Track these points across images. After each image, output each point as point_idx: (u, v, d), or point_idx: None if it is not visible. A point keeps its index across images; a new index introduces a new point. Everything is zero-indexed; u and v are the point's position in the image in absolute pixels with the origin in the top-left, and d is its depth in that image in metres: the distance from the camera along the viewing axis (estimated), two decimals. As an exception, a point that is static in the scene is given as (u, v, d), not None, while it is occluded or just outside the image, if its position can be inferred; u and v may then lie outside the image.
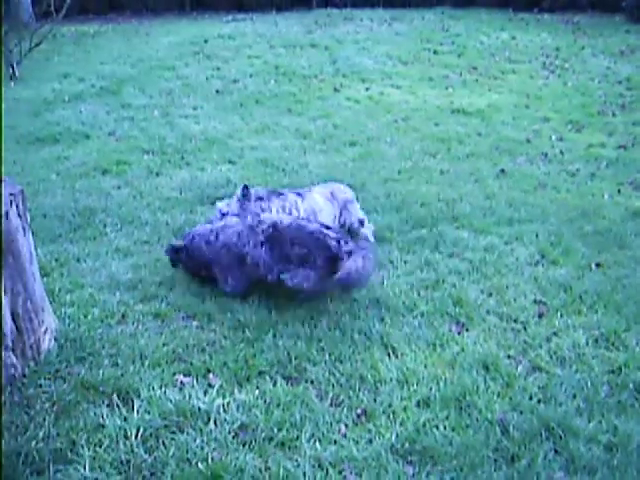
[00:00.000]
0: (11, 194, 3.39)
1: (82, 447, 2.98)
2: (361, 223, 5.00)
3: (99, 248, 4.80)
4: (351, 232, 4.91)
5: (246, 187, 4.58)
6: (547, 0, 16.12)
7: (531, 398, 3.45)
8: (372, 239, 4.98)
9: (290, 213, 4.57)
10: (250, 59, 11.00)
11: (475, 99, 9.32)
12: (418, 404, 3.35)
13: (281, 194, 4.69)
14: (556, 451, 3.14)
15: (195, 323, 3.92)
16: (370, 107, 8.81)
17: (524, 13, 15.89)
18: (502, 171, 6.68)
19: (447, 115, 8.59)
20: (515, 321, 4.12)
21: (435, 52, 12.02)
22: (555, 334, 4.01)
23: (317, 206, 4.76)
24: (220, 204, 4.60)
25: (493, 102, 9.21)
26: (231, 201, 4.61)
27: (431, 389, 3.43)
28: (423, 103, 9.06)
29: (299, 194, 4.73)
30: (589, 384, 3.58)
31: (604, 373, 3.69)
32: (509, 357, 3.77)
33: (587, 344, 3.93)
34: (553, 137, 7.86)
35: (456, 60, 11.56)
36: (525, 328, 4.05)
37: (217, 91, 9.20)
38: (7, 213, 3.26)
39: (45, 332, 3.59)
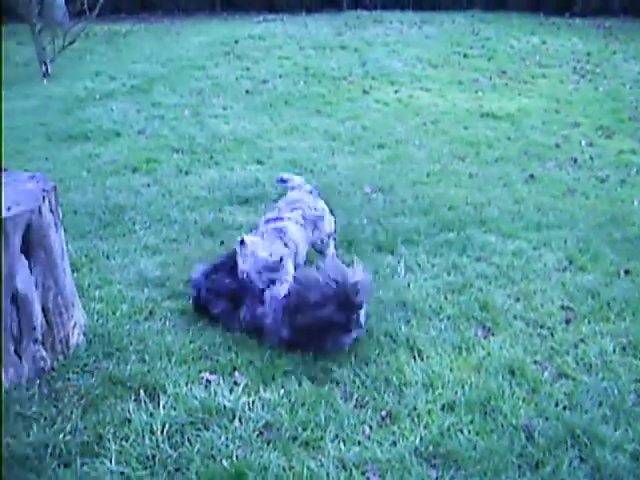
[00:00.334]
0: (44, 190, 3.44)
1: (109, 441, 3.01)
2: (328, 237, 4.57)
3: (128, 245, 4.85)
4: (319, 248, 4.54)
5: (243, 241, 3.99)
6: (579, 4, 15.99)
7: (557, 405, 3.43)
8: (333, 250, 4.64)
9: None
10: (280, 60, 11.04)
11: (505, 103, 9.27)
12: (443, 408, 3.34)
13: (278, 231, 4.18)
14: (581, 459, 3.11)
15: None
16: (399, 109, 8.79)
17: (555, 17, 15.76)
18: (531, 176, 6.64)
19: (476, 119, 8.55)
20: (542, 327, 4.10)
21: (465, 55, 11.97)
22: (582, 341, 3.98)
23: (296, 241, 4.24)
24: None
25: (523, 106, 9.15)
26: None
27: (456, 393, 3.43)
28: (452, 106, 9.03)
29: (280, 231, 4.16)
30: (616, 392, 3.54)
31: (631, 381, 3.65)
32: (535, 363, 3.75)
33: (614, 352, 3.89)
34: (583, 142, 7.79)
35: (486, 64, 11.50)
36: (552, 334, 4.02)
37: (247, 91, 9.25)
38: (40, 208, 3.31)
39: (74, 327, 3.63)
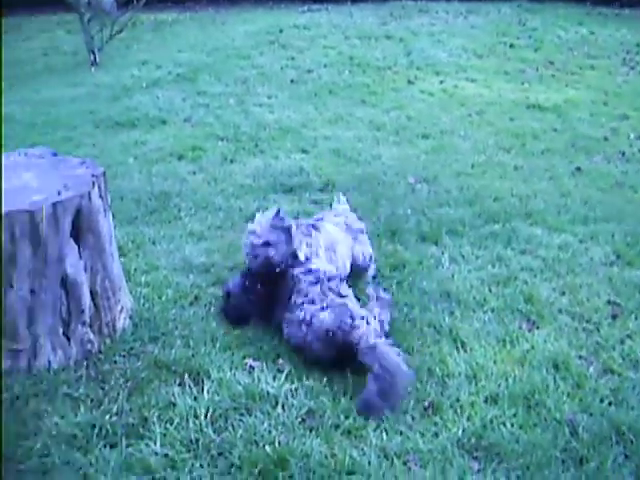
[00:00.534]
0: (93, 175, 3.49)
1: (153, 424, 3.06)
2: (370, 258, 4.36)
3: (174, 231, 4.90)
4: (358, 269, 4.29)
5: (279, 212, 3.90)
6: (627, -6, 15.64)
7: (602, 400, 3.39)
8: (372, 276, 4.39)
9: (314, 252, 3.98)
10: (325, 49, 11.01)
11: (551, 94, 9.12)
12: (486, 400, 3.32)
13: (309, 226, 4.10)
14: (626, 456, 3.07)
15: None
16: (444, 100, 8.72)
17: (603, 7, 15.42)
18: (578, 169, 6.54)
19: (522, 110, 8.44)
20: (587, 321, 4.04)
21: (511, 46, 11.81)
22: (629, 337, 3.92)
23: (333, 238, 4.16)
24: (252, 227, 3.93)
25: (570, 98, 9.00)
26: (262, 223, 3.92)
27: (499, 385, 3.40)
28: (498, 97, 8.92)
29: (313, 226, 4.11)
30: (663, 389, 3.50)
31: (679, 379, 3.59)
32: (580, 357, 3.70)
33: (662, 348, 3.84)
34: (632, 135, 7.64)
35: (533, 54, 11.33)
36: (598, 329, 3.97)
37: (292, 80, 9.25)
38: (89, 194, 3.36)
39: (121, 311, 3.69)
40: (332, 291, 3.61)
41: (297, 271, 3.75)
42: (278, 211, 3.88)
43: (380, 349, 3.32)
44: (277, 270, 3.78)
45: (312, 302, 3.56)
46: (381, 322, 3.55)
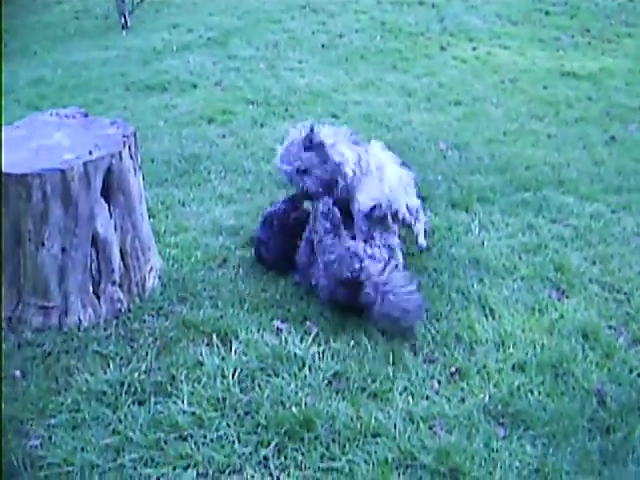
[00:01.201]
0: (124, 135, 3.51)
1: (181, 382, 3.10)
2: (417, 211, 4.07)
3: (203, 194, 4.91)
4: (402, 222, 4.02)
5: (312, 130, 3.70)
6: (671, -40, 15.19)
7: (631, 371, 3.36)
8: (423, 241, 4.13)
9: (362, 169, 3.79)
10: (356, 14, 10.85)
11: (587, 62, 8.93)
12: (513, 367, 3.31)
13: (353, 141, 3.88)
14: (654, 427, 3.06)
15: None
16: (477, 67, 8.58)
17: (642, -26, 15.05)
18: (612, 138, 6.41)
19: (556, 78, 8.27)
20: (618, 291, 3.99)
21: (547, 13, 11.54)
22: (660, 308, 3.88)
23: (381, 161, 3.90)
24: (281, 150, 3.78)
25: (606, 66, 8.81)
26: (294, 145, 3.74)
27: (527, 353, 3.39)
28: (532, 65, 8.75)
29: (356, 142, 3.87)
30: (693, 361, 3.46)
31: None
32: (610, 327, 3.67)
33: (694, 321, 3.79)
34: (669, 105, 7.48)
35: (568, 22, 11.07)
36: (629, 299, 3.92)
37: (322, 45, 9.15)
38: (120, 153, 3.37)
39: (150, 271, 3.72)
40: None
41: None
42: (312, 128, 3.65)
43: (382, 289, 3.39)
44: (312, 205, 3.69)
45: (323, 252, 3.60)
46: (388, 248, 3.62)
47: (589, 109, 7.23)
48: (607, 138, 6.41)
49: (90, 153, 3.29)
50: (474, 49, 9.32)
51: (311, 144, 3.65)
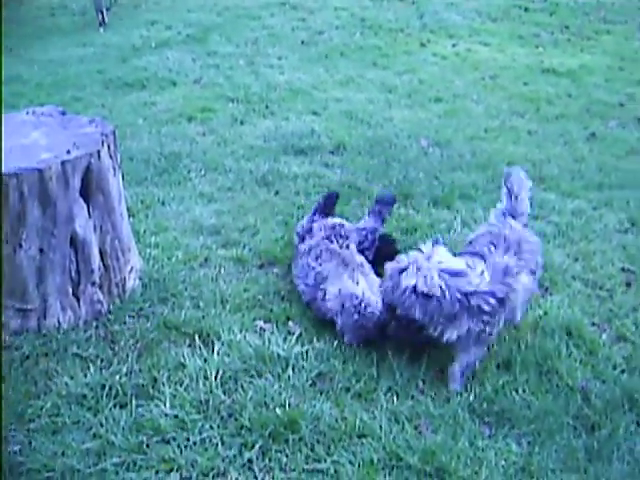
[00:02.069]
0: (103, 134, 3.44)
1: (163, 384, 3.05)
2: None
3: (183, 193, 4.86)
4: None
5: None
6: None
7: (615, 368, 3.37)
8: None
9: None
10: (336, 11, 10.83)
11: (566, 59, 8.97)
12: (498, 366, 3.30)
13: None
14: (638, 423, 3.06)
15: (276, 270, 3.94)
16: (457, 63, 8.59)
17: (620, -29, 15.15)
18: (593, 134, 6.44)
19: (537, 75, 8.30)
20: (601, 288, 4.00)
21: (526, 9, 11.59)
22: (642, 304, 3.89)
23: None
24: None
25: (585, 63, 8.85)
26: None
27: (512, 351, 3.38)
28: (512, 61, 8.78)
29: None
30: (676, 357, 3.47)
31: (692, 347, 3.56)
32: (593, 324, 3.68)
33: (676, 316, 3.80)
34: (648, 102, 7.53)
35: (548, 18, 11.13)
36: (611, 296, 3.93)
37: (302, 42, 9.12)
38: (99, 152, 3.31)
39: (131, 271, 3.67)
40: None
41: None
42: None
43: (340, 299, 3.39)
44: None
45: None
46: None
47: (569, 106, 7.25)
48: (587, 135, 6.44)
49: (68, 152, 3.23)
50: (454, 46, 9.33)
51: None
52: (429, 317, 3.02)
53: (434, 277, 2.98)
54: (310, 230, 3.80)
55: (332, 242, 3.66)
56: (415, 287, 2.99)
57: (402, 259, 3.10)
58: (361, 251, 3.74)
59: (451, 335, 3.07)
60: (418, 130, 6.23)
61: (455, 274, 3.02)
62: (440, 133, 6.20)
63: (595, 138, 6.38)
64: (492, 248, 3.29)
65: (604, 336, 3.58)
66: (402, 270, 3.05)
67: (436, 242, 3.17)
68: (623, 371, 3.35)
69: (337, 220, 3.88)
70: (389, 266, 3.13)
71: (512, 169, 3.70)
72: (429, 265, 3.01)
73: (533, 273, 3.35)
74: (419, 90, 7.47)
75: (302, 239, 3.81)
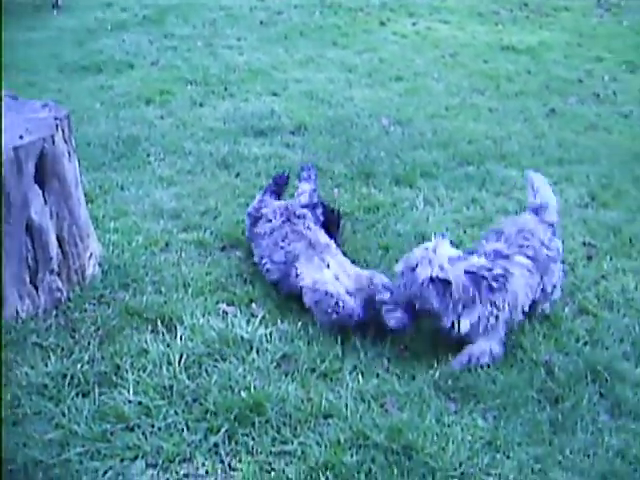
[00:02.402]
0: (57, 118, 3.36)
1: (126, 371, 3.00)
2: (554, 287, 3.56)
3: (143, 177, 4.78)
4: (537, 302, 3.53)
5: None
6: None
7: (578, 340, 3.41)
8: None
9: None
10: (295, -10, 10.76)
11: (526, 36, 9.02)
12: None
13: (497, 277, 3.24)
14: (601, 394, 3.10)
15: (238, 253, 3.90)
16: (417, 42, 8.58)
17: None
18: (552, 111, 6.49)
19: (496, 52, 8.34)
20: (563, 262, 4.03)
21: (485, -13, 11.63)
22: (603, 277, 3.94)
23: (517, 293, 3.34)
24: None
25: (544, 40, 8.91)
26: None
27: (477, 327, 3.39)
28: (472, 39, 8.80)
29: (504, 277, 3.25)
30: (637, 329, 3.53)
31: (654, 318, 3.62)
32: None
33: (636, 289, 3.86)
34: (606, 77, 7.60)
35: (507, -5, 11.18)
36: (573, 270, 3.97)
37: (261, 22, 9.03)
38: (53, 137, 3.24)
39: (90, 257, 3.60)
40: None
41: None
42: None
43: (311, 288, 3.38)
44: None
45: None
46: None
47: (529, 82, 7.30)
48: (547, 111, 6.49)
49: (21, 137, 3.14)
50: (414, 24, 9.32)
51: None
52: (446, 305, 3.16)
53: (444, 264, 3.14)
54: (259, 210, 3.80)
55: (295, 224, 3.64)
56: (431, 277, 3.13)
57: (411, 256, 3.25)
58: (314, 210, 3.83)
59: (464, 324, 3.20)
60: (379, 109, 6.21)
61: (460, 259, 3.22)
62: (401, 112, 6.19)
63: (555, 114, 6.43)
64: (484, 241, 3.51)
65: (567, 310, 3.62)
66: (414, 267, 3.18)
67: (442, 237, 3.31)
68: (586, 343, 3.39)
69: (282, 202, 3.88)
70: (399, 266, 3.29)
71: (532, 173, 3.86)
72: (437, 256, 3.17)
73: (533, 260, 3.38)
74: (379, 69, 7.45)
75: (254, 220, 3.78)
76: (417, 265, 3.17)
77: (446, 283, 3.12)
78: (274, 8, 9.68)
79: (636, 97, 7.03)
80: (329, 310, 3.30)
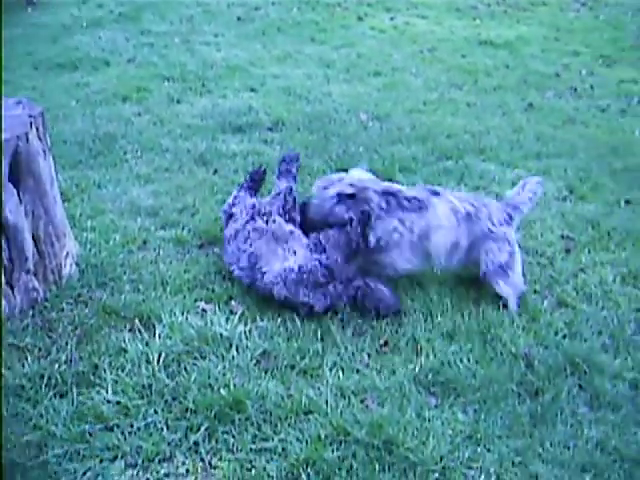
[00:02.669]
0: (31, 116, 3.32)
1: (104, 371, 2.97)
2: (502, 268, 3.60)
3: (120, 174, 4.74)
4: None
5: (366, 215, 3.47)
6: None
7: (556, 333, 3.42)
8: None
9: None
10: (272, -14, 10.73)
11: (503, 31, 9.06)
12: (442, 336, 3.32)
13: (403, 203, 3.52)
14: (580, 386, 3.12)
15: (216, 250, 3.87)
16: (395, 37, 8.59)
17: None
18: (530, 105, 6.52)
19: (474, 47, 8.37)
20: (541, 256, 4.06)
21: (463, -18, 11.66)
22: (582, 270, 3.96)
23: (434, 224, 3.53)
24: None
25: (522, 34, 8.96)
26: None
27: (455, 322, 3.40)
28: (450, 34, 8.82)
29: (421, 203, 3.52)
30: (615, 321, 3.54)
31: (631, 310, 3.65)
32: (535, 292, 3.73)
33: (614, 281, 3.88)
34: (583, 72, 7.66)
35: (484, -10, 11.22)
36: (552, 263, 3.99)
37: (238, 18, 8.99)
38: (27, 135, 3.19)
39: (66, 256, 3.56)
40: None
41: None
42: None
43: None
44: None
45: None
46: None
47: (507, 77, 7.33)
48: (525, 105, 6.52)
49: (-6, 135, 3.10)
50: (392, 19, 9.33)
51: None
52: (352, 219, 3.43)
53: (354, 182, 3.49)
54: (232, 207, 3.77)
55: (256, 221, 3.61)
56: (339, 192, 3.47)
57: (325, 177, 3.68)
58: (287, 214, 3.72)
59: (372, 237, 3.46)
60: (357, 104, 6.21)
61: (375, 181, 3.58)
62: (379, 107, 6.19)
63: (532, 108, 6.46)
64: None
65: (545, 303, 3.63)
66: (326, 186, 3.54)
67: (362, 167, 3.72)
68: (565, 336, 3.41)
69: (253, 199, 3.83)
70: (315, 186, 3.63)
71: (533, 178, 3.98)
72: (348, 176, 3.57)
73: (468, 214, 3.56)
74: (357, 64, 7.45)
75: (228, 218, 3.77)
76: (330, 185, 3.51)
77: (352, 197, 3.40)
78: (251, 4, 9.65)
79: (613, 91, 7.09)
80: (296, 280, 3.34)
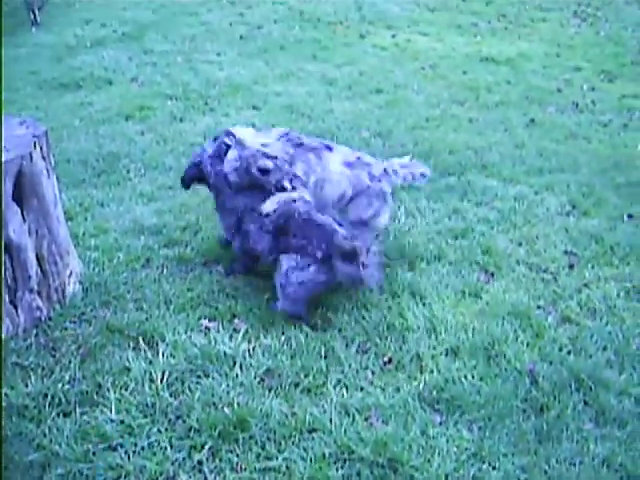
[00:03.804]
0: (34, 135, 3.33)
1: (108, 390, 2.97)
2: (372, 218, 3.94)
3: (123, 193, 4.76)
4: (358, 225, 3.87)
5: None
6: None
7: (561, 349, 3.41)
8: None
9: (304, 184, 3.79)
10: (274, 5, 10.78)
11: (504, 47, 9.09)
12: (446, 353, 3.31)
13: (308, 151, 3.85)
14: (586, 403, 3.10)
15: (219, 268, 3.88)
16: (396, 54, 8.62)
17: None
18: (532, 120, 6.53)
19: (476, 63, 8.39)
20: (545, 271, 4.05)
21: (463, -1, 11.73)
22: (586, 285, 3.95)
23: (326, 176, 3.84)
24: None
25: (523, 51, 8.99)
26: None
27: (459, 338, 3.39)
28: (451, 51, 8.85)
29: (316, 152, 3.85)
30: (620, 336, 3.53)
31: (635, 326, 3.63)
32: (539, 307, 3.72)
33: (618, 296, 3.87)
34: (585, 87, 7.67)
35: (485, 7, 11.27)
36: (555, 279, 3.98)
37: (241, 37, 9.04)
38: (31, 154, 3.21)
39: (70, 275, 3.56)
40: None
41: None
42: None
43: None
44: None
45: None
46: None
47: (508, 93, 7.34)
48: (527, 121, 6.53)
49: (-2, 155, 3.12)
50: (393, 36, 9.36)
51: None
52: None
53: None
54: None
55: None
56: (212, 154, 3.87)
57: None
58: None
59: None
60: (359, 121, 6.22)
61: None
62: (381, 124, 6.21)
63: (534, 124, 6.47)
64: None
65: (550, 318, 3.62)
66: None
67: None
68: (569, 352, 3.39)
69: None
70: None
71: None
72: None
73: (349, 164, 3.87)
74: (359, 82, 7.47)
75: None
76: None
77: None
78: (254, 23, 9.70)
79: (615, 106, 7.10)
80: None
